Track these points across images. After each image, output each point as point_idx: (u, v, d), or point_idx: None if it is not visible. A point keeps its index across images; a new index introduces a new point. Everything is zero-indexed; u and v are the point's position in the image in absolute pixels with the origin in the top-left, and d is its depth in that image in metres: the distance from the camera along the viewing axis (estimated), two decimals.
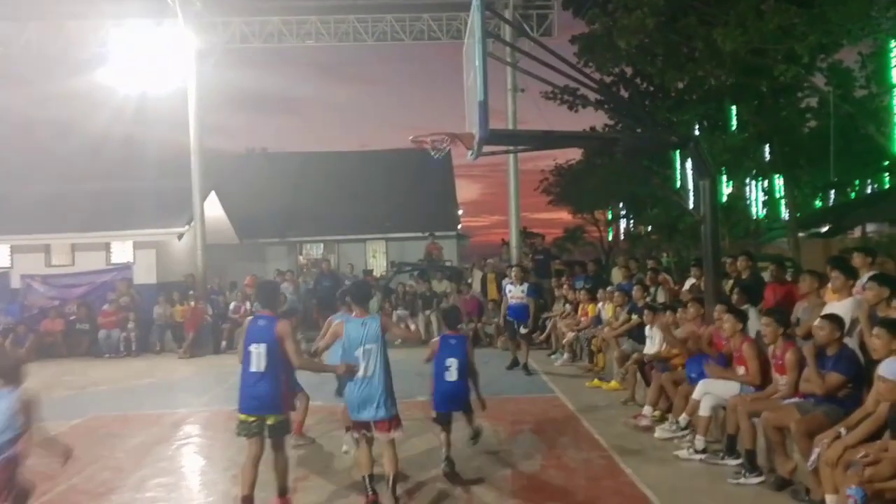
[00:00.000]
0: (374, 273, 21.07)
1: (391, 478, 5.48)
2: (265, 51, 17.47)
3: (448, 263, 20.25)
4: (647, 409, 7.72)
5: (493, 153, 9.14)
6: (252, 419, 5.36)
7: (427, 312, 16.13)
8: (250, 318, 5.81)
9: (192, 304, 15.42)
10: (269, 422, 5.37)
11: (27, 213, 16.88)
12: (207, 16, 16.06)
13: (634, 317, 9.76)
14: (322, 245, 25.37)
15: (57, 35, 16.10)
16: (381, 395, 5.47)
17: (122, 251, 16.94)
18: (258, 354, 5.33)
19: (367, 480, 5.52)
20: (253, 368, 5.33)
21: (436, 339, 6.54)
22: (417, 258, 19.75)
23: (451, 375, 6.19)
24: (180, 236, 16.77)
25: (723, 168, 19.22)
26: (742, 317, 6.75)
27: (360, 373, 5.47)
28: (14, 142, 20.87)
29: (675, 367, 7.69)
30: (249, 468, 5.41)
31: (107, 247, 16.93)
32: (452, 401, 6.25)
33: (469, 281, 16.47)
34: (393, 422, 5.53)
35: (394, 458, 5.55)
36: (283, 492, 5.59)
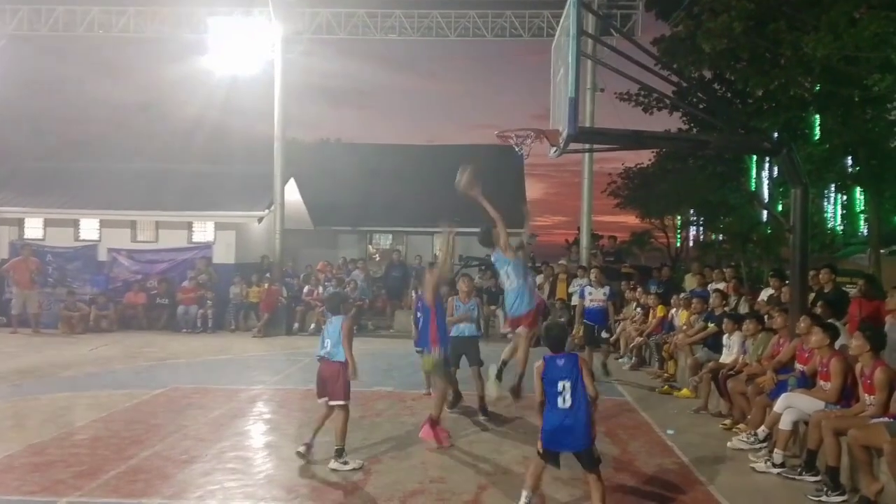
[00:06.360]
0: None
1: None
2: (335, 42, 17.74)
3: None
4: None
5: (574, 151, 9.12)
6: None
7: (492, 307, 16.22)
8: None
9: (268, 285, 15.90)
10: None
11: (117, 189, 17.64)
12: (297, 5, 16.47)
13: (711, 325, 9.63)
14: (391, 235, 25.71)
15: (153, 20, 16.78)
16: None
17: (203, 231, 17.48)
18: None
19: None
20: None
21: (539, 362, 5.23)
22: (485, 253, 19.77)
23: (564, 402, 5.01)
24: (260, 220, 17.20)
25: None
26: (833, 331, 6.53)
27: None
28: (110, 123, 21.95)
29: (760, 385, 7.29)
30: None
31: (189, 226, 17.46)
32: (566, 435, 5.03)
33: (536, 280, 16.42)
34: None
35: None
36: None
